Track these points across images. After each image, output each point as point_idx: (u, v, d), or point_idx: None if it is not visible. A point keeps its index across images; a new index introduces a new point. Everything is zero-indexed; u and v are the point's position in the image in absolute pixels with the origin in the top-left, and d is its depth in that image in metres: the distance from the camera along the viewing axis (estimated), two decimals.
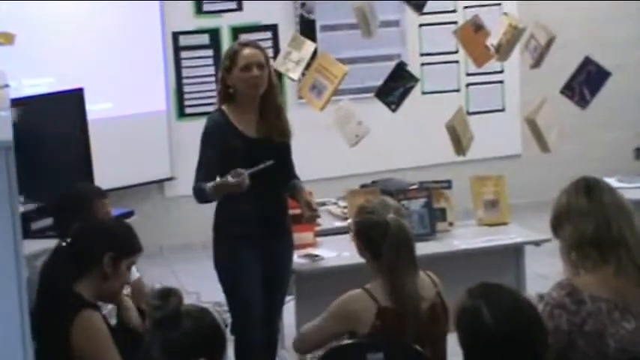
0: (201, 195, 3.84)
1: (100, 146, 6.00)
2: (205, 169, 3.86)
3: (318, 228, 4.65)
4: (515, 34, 4.26)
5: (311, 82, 4.61)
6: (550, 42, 4.38)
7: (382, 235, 2.97)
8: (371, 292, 2.98)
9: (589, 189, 2.65)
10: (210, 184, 3.76)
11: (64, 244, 3.06)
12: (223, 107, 3.93)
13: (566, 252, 2.60)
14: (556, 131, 4.60)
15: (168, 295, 2.31)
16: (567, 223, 2.60)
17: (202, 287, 5.93)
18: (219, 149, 3.85)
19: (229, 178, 3.67)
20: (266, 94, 3.94)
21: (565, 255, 2.59)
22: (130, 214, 6.08)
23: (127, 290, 3.35)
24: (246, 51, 3.88)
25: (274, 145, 3.91)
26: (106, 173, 5.86)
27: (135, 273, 3.62)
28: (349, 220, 3.17)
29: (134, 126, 6.81)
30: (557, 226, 2.65)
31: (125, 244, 3.04)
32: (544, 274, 4.78)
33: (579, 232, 2.57)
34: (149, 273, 5.46)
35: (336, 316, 3.00)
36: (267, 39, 7.15)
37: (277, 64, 4.60)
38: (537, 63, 4.48)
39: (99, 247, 2.96)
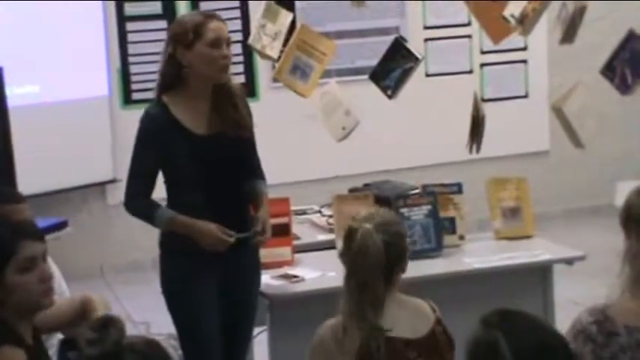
0: (145, 216, 3.88)
1: (24, 139, 5.98)
2: (142, 179, 3.87)
3: (297, 242, 4.65)
4: (542, 3, 4.28)
5: (291, 61, 4.61)
6: (582, 11, 4.40)
7: (347, 246, 3.05)
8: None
9: None
10: (169, 212, 3.82)
11: None
12: (164, 98, 3.90)
13: (628, 262, 2.59)
14: (592, 122, 4.62)
15: (107, 325, 2.30)
16: None
17: (153, 316, 5.92)
18: (158, 153, 3.85)
19: (212, 229, 3.75)
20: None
21: (626, 264, 2.59)
22: (63, 225, 6.07)
23: None
24: (214, 24, 3.88)
25: (229, 141, 3.89)
26: (32, 174, 5.86)
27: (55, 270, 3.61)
28: None
29: (67, 115, 6.80)
30: (635, 230, 2.61)
31: None
32: (577, 299, 4.81)
33: None
34: None
35: (315, 357, 3.04)
36: (234, 8, 7.16)
37: (252, 40, 4.61)
38: (569, 37, 4.50)
39: None
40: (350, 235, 3.06)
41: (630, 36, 4.50)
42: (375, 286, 3.02)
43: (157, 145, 3.84)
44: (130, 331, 2.42)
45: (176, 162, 3.85)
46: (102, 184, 7.17)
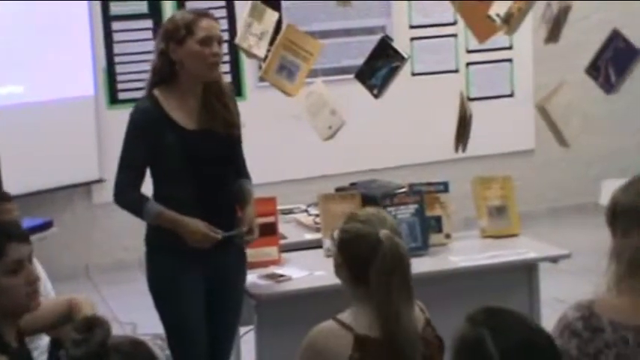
0: (134, 209, 3.90)
1: (9, 140, 5.98)
2: (132, 171, 3.89)
3: (283, 241, 4.66)
4: (528, 2, 4.30)
5: (278, 61, 4.62)
6: (566, 10, 4.42)
7: (371, 252, 2.97)
8: (343, 321, 2.99)
9: None
10: (157, 206, 3.83)
11: None
12: (155, 93, 3.93)
13: (615, 259, 2.60)
14: (577, 121, 4.64)
15: (92, 326, 2.30)
16: (638, 232, 2.58)
17: (139, 316, 5.92)
18: (149, 146, 3.86)
19: (199, 225, 3.77)
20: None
21: (612, 261, 2.59)
22: (48, 225, 6.06)
23: None
24: (206, 22, 3.92)
25: (219, 138, 3.92)
26: (17, 174, 5.85)
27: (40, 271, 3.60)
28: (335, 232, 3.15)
29: (53, 115, 6.78)
30: (621, 226, 2.61)
31: None
32: (563, 297, 4.82)
33: None
34: None
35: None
36: (220, 7, 7.16)
37: (239, 40, 4.62)
38: (554, 37, 4.52)
39: None
40: (365, 238, 3.02)
41: (614, 35, 4.52)
42: (409, 287, 3.01)
43: (147, 138, 3.86)
44: (117, 331, 2.41)
45: (165, 156, 3.86)
46: (87, 184, 7.16)
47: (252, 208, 4.00)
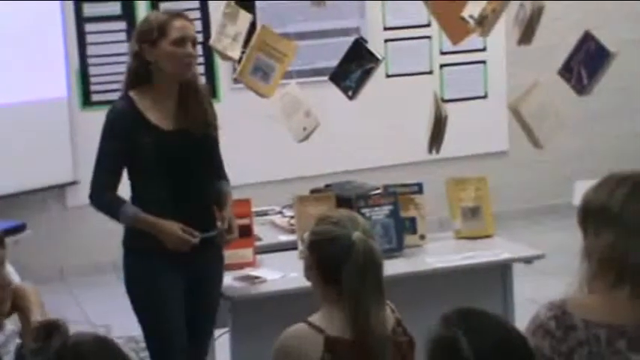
0: (110, 211, 3.89)
1: None
2: (108, 173, 3.88)
3: (258, 243, 4.65)
4: (502, 3, 4.31)
5: (252, 62, 4.62)
6: (539, 12, 4.44)
7: (344, 254, 2.98)
8: (314, 323, 2.99)
9: None
10: (133, 209, 3.82)
11: None
12: (131, 94, 3.92)
13: (586, 258, 2.61)
14: (551, 123, 4.66)
15: (50, 333, 2.27)
16: (609, 231, 2.59)
17: (113, 319, 5.90)
18: (125, 147, 3.85)
19: (175, 229, 3.76)
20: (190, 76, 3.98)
21: (584, 260, 2.61)
22: (22, 228, 6.03)
23: None
24: (180, 22, 3.92)
25: (195, 139, 3.92)
26: None
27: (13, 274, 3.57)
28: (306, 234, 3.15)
29: (26, 117, 6.75)
30: (592, 226, 2.63)
31: None
32: (536, 298, 4.83)
33: (620, 251, 2.56)
34: (46, 302, 5.40)
35: None
36: (194, 9, 7.15)
37: (213, 41, 4.62)
38: (527, 38, 4.54)
39: None
40: (337, 240, 3.01)
41: (586, 37, 4.54)
42: (381, 288, 3.01)
43: (123, 140, 3.85)
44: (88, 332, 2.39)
45: (141, 157, 3.85)
46: (61, 187, 7.13)
47: (230, 208, 4.01)
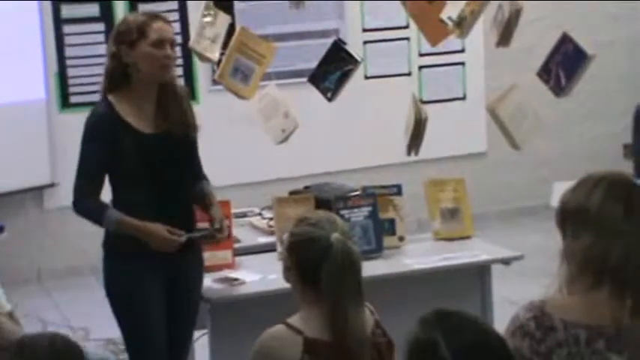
0: (94, 217, 3.87)
1: None
2: (90, 178, 3.86)
3: (237, 245, 4.65)
4: (480, 4, 4.33)
5: (232, 64, 4.62)
6: (517, 13, 4.46)
7: (322, 256, 2.98)
8: (292, 324, 2.99)
9: (630, 201, 2.62)
10: (117, 214, 3.80)
11: None
12: (110, 98, 3.91)
13: (565, 259, 2.62)
14: (529, 124, 4.68)
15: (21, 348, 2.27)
16: (587, 233, 2.59)
17: (91, 321, 5.88)
18: (105, 152, 3.84)
19: (161, 230, 3.76)
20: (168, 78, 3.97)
21: (563, 262, 2.61)
22: None
23: None
24: (159, 24, 3.91)
25: (175, 141, 3.92)
26: None
27: (4, 303, 3.56)
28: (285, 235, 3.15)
29: (4, 119, 6.71)
30: (570, 227, 2.63)
31: None
32: (515, 299, 4.85)
33: (599, 252, 2.56)
34: (24, 304, 5.39)
35: None
36: (173, 10, 7.13)
37: (192, 43, 4.61)
38: (505, 39, 4.56)
39: None
40: (315, 242, 3.01)
41: (563, 39, 4.56)
42: (360, 290, 3.02)
43: (103, 144, 3.84)
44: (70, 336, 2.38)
45: (122, 160, 3.84)
46: (39, 189, 7.08)
47: (218, 208, 4.01)
